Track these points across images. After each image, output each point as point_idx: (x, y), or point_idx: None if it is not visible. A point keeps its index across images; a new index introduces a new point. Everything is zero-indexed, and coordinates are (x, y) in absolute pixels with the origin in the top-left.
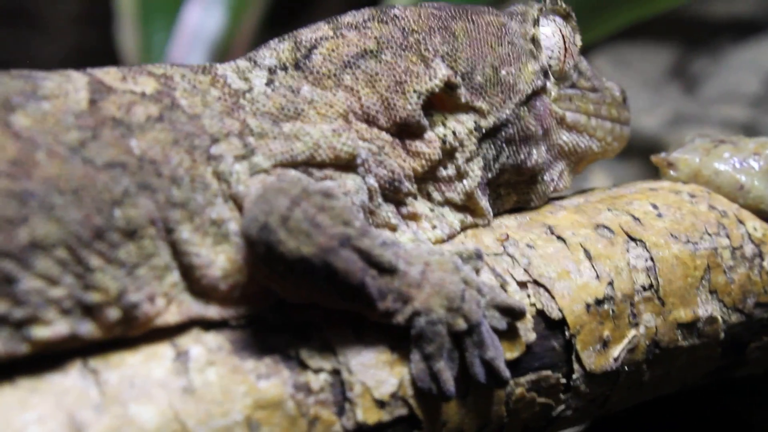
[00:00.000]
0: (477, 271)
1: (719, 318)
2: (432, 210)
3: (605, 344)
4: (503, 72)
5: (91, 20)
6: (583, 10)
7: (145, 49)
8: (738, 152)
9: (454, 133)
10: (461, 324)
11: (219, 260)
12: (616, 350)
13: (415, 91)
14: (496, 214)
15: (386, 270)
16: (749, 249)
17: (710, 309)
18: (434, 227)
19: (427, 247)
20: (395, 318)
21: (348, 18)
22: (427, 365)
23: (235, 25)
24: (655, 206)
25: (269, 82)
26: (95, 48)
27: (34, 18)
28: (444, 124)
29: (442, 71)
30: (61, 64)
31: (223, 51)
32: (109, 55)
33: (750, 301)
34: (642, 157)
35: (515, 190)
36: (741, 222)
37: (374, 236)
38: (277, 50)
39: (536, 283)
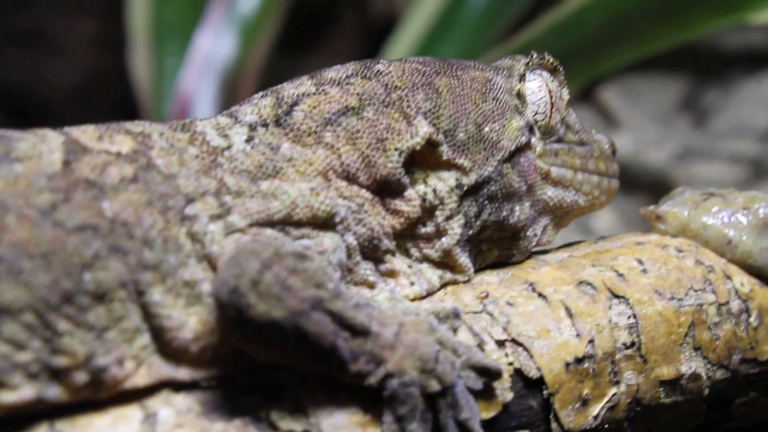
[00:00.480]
0: (454, 331)
1: (703, 375)
2: (410, 267)
3: (585, 403)
4: (486, 129)
5: (108, 43)
6: (594, 43)
7: (157, 74)
8: (727, 206)
9: (434, 191)
10: (435, 385)
11: (191, 322)
12: (596, 408)
13: (396, 149)
14: (478, 270)
15: (359, 332)
16: (736, 305)
17: (694, 366)
18: (412, 284)
19: (403, 307)
20: (368, 380)
21: (331, 73)
22: (400, 427)
23: (247, 50)
24: (640, 261)
25: (249, 139)
26: (111, 70)
27: (51, 40)
28: (425, 182)
29: (423, 129)
30: (77, 86)
31: (235, 76)
32: (123, 78)
33: (735, 357)
34: (649, 192)
35: (497, 245)
36: (728, 277)
37: (347, 298)
38: (258, 106)
39: (515, 341)
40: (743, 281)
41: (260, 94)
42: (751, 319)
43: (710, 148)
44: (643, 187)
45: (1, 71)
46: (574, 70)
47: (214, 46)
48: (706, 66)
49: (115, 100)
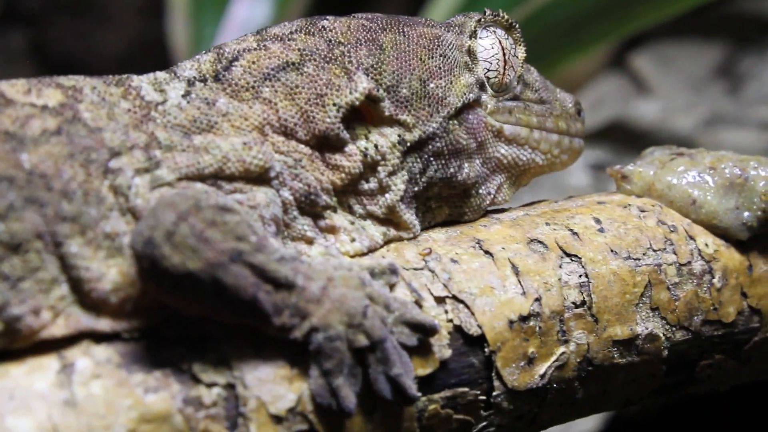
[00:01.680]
0: (391, 287)
1: (661, 335)
2: (352, 223)
3: (530, 361)
4: (432, 85)
5: (154, 12)
6: (612, 5)
7: (195, 42)
8: (693, 166)
9: (376, 146)
10: (362, 340)
11: (110, 274)
12: (543, 367)
13: (334, 105)
14: (427, 227)
15: (282, 285)
16: (698, 265)
17: (651, 326)
18: (353, 240)
19: (336, 262)
20: (292, 333)
21: (276, 29)
22: (326, 381)
23: (281, 17)
24: (598, 220)
25: (186, 94)
26: (156, 39)
27: (99, 9)
28: (366, 138)
29: (363, 84)
30: (123, 55)
31: None
32: (166, 47)
33: (697, 318)
34: None
35: (447, 203)
36: (692, 238)
37: (271, 251)
38: (199, 62)
39: (455, 298)
40: (708, 242)
41: (204, 51)
42: (715, 280)
43: (740, 115)
44: None
45: (51, 40)
46: (593, 32)
47: (249, 13)
48: (744, 33)
49: (160, 68)
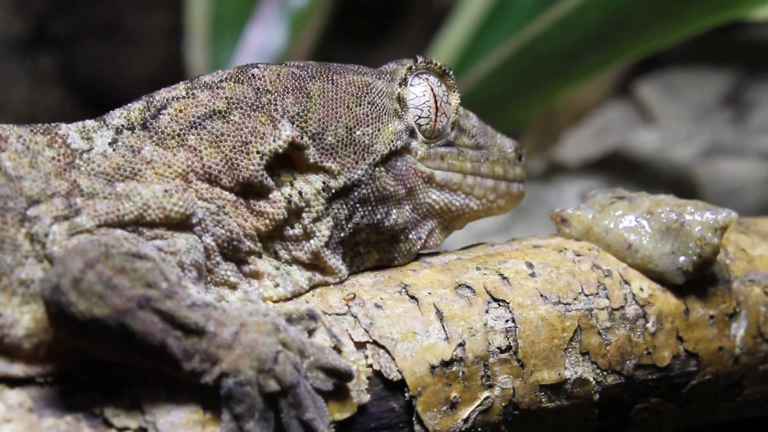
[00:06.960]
0: (310, 332)
1: (591, 379)
2: (277, 268)
3: (453, 405)
4: (358, 132)
5: (180, 36)
6: (595, 40)
7: (213, 67)
8: (632, 210)
9: (300, 193)
10: (273, 385)
11: (23, 320)
12: (466, 411)
13: (258, 152)
14: (356, 272)
15: (192, 331)
16: (632, 310)
17: (580, 371)
18: (277, 285)
19: (252, 308)
20: (203, 378)
21: (207, 77)
22: (237, 425)
23: (295, 43)
24: (530, 265)
25: (113, 142)
26: (182, 63)
27: (127, 33)
28: (291, 184)
29: (286, 132)
30: (151, 78)
31: None
32: (189, 70)
33: (629, 362)
34: (670, 189)
35: (376, 248)
36: (626, 282)
37: (182, 298)
38: (128, 110)
39: (376, 344)
40: (643, 286)
41: (136, 99)
42: (649, 325)
43: (742, 144)
44: (663, 185)
45: (79, 63)
46: (579, 66)
47: (265, 39)
48: (755, 60)
49: None
